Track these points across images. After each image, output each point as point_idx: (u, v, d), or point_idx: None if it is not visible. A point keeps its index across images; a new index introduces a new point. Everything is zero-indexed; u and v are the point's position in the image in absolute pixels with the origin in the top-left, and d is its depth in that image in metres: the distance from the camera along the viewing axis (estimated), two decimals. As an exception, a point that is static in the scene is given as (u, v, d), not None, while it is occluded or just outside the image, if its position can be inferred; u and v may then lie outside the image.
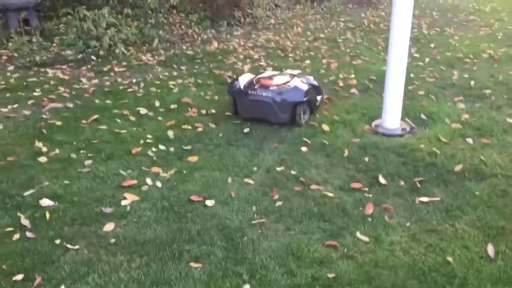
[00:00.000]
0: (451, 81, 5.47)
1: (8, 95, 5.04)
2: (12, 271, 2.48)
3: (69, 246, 2.67)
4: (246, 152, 3.78)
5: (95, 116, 4.43)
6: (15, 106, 4.73)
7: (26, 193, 3.18)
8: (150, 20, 7.88)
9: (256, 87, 4.27)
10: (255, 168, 3.52)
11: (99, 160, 3.65)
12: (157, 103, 4.80)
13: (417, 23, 8.73)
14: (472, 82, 5.37)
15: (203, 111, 4.60)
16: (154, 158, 3.69)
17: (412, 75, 5.57)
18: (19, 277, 2.44)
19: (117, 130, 4.17)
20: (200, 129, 4.20)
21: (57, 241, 2.71)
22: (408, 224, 2.88)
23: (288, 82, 4.32)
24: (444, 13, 10.10)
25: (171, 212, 3.00)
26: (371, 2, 11.27)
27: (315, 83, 4.58)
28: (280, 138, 4.03)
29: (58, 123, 4.33)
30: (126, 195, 3.16)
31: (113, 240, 2.73)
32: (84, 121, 4.35)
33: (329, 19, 9.55)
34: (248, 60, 6.41)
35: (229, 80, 5.46)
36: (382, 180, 3.35)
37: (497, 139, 3.97)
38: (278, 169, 3.51)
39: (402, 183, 3.32)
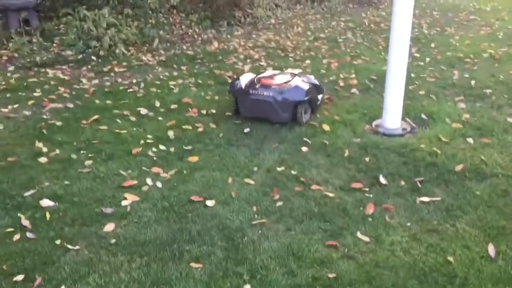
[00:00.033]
0: (452, 80, 5.47)
1: (8, 95, 5.04)
2: (12, 272, 2.48)
3: (69, 246, 2.67)
4: (246, 152, 3.78)
5: (96, 117, 4.43)
6: (15, 106, 4.73)
7: (27, 194, 3.18)
8: (150, 20, 7.88)
9: (257, 86, 4.27)
10: (255, 168, 3.52)
11: (99, 161, 3.65)
12: (157, 103, 4.80)
13: (417, 23, 8.73)
14: (473, 82, 5.37)
15: (204, 111, 4.60)
16: (155, 158, 3.69)
17: (412, 75, 5.57)
18: (20, 277, 2.44)
19: (117, 131, 4.17)
20: (200, 129, 4.20)
21: (58, 242, 2.71)
22: (408, 224, 2.87)
23: (289, 81, 4.32)
24: (444, 12, 10.10)
25: (172, 212, 2.99)
26: (371, 1, 11.27)
27: (316, 82, 4.59)
28: (280, 138, 4.03)
29: (59, 123, 4.33)
30: (126, 195, 3.16)
31: (113, 241, 2.72)
32: (84, 122, 4.35)
33: (329, 19, 9.55)
34: (248, 60, 6.40)
35: (229, 80, 5.46)
36: (382, 180, 3.34)
37: (498, 138, 3.96)
38: (279, 169, 3.51)
39: (402, 183, 3.32)
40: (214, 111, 4.61)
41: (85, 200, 3.13)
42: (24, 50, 6.52)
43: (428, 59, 6.37)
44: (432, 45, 7.20)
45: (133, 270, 2.49)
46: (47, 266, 2.53)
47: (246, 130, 4.17)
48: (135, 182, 3.33)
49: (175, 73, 5.85)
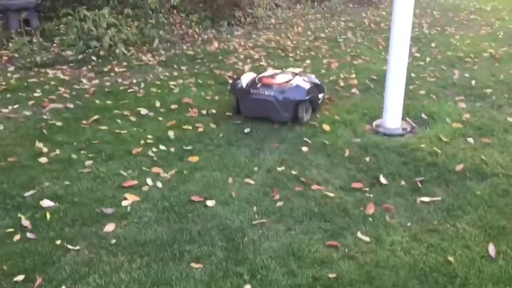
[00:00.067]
0: (452, 80, 5.47)
1: (8, 95, 5.04)
2: (13, 272, 2.48)
3: (69, 246, 2.67)
4: (246, 152, 3.78)
5: (96, 117, 4.43)
6: (15, 106, 4.73)
7: (27, 194, 3.18)
8: (150, 20, 7.88)
9: (258, 86, 4.28)
10: (255, 168, 3.52)
11: (99, 161, 3.65)
12: (157, 104, 4.80)
13: (418, 23, 8.73)
14: (473, 82, 5.36)
15: (204, 111, 4.60)
16: (155, 158, 3.69)
17: (413, 75, 5.57)
18: (20, 277, 2.44)
19: (117, 131, 4.17)
20: (200, 129, 4.20)
21: (58, 242, 2.71)
22: (409, 224, 2.87)
23: (290, 80, 4.33)
24: (445, 12, 10.10)
25: (172, 212, 2.99)
26: (371, 1, 11.27)
27: (317, 81, 4.61)
28: (280, 138, 4.03)
29: (59, 123, 4.33)
30: (126, 195, 3.16)
31: (113, 241, 2.72)
32: (84, 122, 4.35)
33: (329, 18, 9.55)
34: (248, 60, 6.40)
35: (229, 80, 5.46)
36: (383, 180, 3.34)
37: (498, 138, 3.96)
38: (279, 169, 3.51)
39: (403, 183, 3.32)
40: (214, 111, 4.61)
41: (86, 200, 3.13)
42: (24, 50, 6.52)
43: (428, 59, 6.37)
44: (433, 44, 7.20)
45: (133, 270, 2.49)
46: (47, 266, 2.53)
47: (247, 130, 4.17)
48: (135, 182, 3.33)
49: (175, 73, 5.85)
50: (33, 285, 2.40)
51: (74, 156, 3.72)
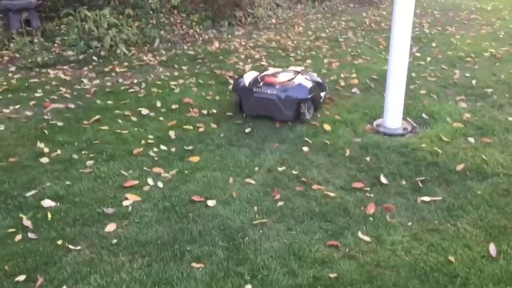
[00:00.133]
0: (453, 80, 5.47)
1: (10, 96, 5.05)
2: (14, 272, 2.49)
3: (71, 246, 2.68)
4: (247, 152, 3.78)
5: (97, 117, 4.44)
6: (17, 107, 4.74)
7: (28, 194, 3.19)
8: (151, 21, 7.89)
9: (260, 84, 4.30)
10: (256, 168, 3.53)
11: (100, 161, 3.65)
12: (158, 104, 4.80)
13: (418, 22, 8.73)
14: (474, 81, 5.36)
15: (205, 111, 4.60)
16: (156, 158, 3.70)
17: (413, 74, 5.57)
18: (21, 278, 2.44)
19: (118, 131, 4.17)
20: (201, 129, 4.21)
21: (59, 242, 2.71)
22: (409, 223, 2.87)
23: (292, 79, 4.35)
24: (445, 12, 10.09)
25: (173, 212, 3.00)
26: (372, 1, 11.26)
27: (319, 80, 4.63)
28: (281, 138, 4.03)
29: (60, 123, 4.34)
30: (127, 195, 3.17)
31: (115, 241, 2.73)
32: (85, 122, 4.36)
33: (330, 18, 9.55)
34: (249, 60, 6.41)
35: (230, 80, 5.47)
36: (383, 179, 3.34)
37: (499, 138, 3.96)
38: (280, 169, 3.51)
39: (403, 182, 3.32)
40: (215, 111, 4.61)
41: (87, 200, 3.14)
42: (25, 51, 6.53)
43: (429, 59, 6.37)
44: (433, 44, 7.20)
45: (134, 270, 2.50)
46: (48, 266, 2.53)
47: (247, 130, 4.17)
48: (136, 182, 3.34)
49: (176, 73, 5.85)
50: (35, 285, 2.40)
51: (75, 156, 3.72)
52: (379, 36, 7.80)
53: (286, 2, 10.20)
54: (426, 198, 3.11)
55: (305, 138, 3.99)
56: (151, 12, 8.07)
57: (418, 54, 6.60)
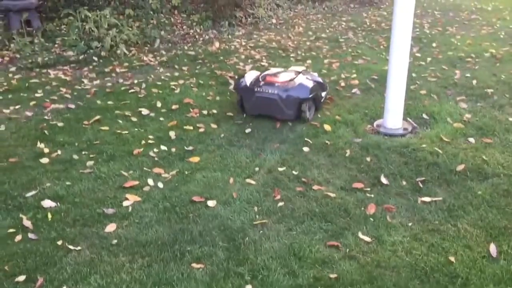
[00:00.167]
0: (453, 80, 5.46)
1: (10, 96, 5.05)
2: (14, 272, 2.49)
3: (71, 247, 2.67)
4: (247, 152, 3.78)
5: (97, 117, 4.44)
6: (17, 107, 4.74)
7: (28, 194, 3.19)
8: (151, 21, 7.89)
9: (262, 84, 4.32)
10: (256, 169, 3.52)
11: (100, 161, 3.65)
12: (158, 104, 4.80)
13: (419, 23, 8.73)
14: (474, 82, 5.36)
15: (205, 112, 4.60)
16: (156, 158, 3.70)
17: (414, 75, 5.56)
18: (21, 278, 2.44)
19: (118, 131, 4.17)
20: (201, 130, 4.21)
21: (59, 242, 2.71)
22: (410, 224, 2.87)
23: (293, 79, 4.36)
24: (446, 12, 10.09)
25: (173, 212, 3.00)
26: (372, 1, 11.26)
27: (320, 79, 4.65)
28: (281, 138, 4.03)
29: (60, 124, 4.34)
30: (127, 196, 3.17)
31: (115, 241, 2.73)
32: (86, 122, 4.36)
33: (330, 18, 9.54)
34: (249, 60, 6.41)
35: (230, 81, 5.47)
36: (384, 180, 3.34)
37: (499, 138, 3.96)
38: (280, 169, 3.51)
39: (404, 183, 3.32)
40: (215, 111, 4.61)
41: (87, 200, 3.13)
42: (25, 51, 6.53)
43: (429, 59, 6.36)
44: (434, 44, 7.20)
45: (134, 271, 2.50)
46: (48, 266, 2.53)
47: (247, 130, 4.17)
48: (136, 182, 3.34)
49: (177, 74, 5.85)
50: (35, 285, 2.40)
51: (75, 156, 3.72)
52: (380, 37, 7.80)
53: (286, 3, 10.20)
54: (427, 199, 3.11)
55: (306, 139, 3.99)
56: (151, 13, 8.08)
57: (418, 55, 6.59)
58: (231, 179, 3.37)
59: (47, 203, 3.08)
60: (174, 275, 2.46)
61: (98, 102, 4.88)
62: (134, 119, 4.45)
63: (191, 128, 4.24)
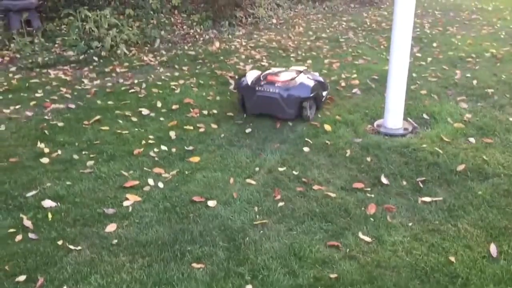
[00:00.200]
0: (454, 80, 5.46)
1: (10, 96, 5.05)
2: (14, 272, 2.49)
3: (71, 247, 2.67)
4: (248, 152, 3.78)
5: (97, 117, 4.44)
6: (17, 107, 4.74)
7: (29, 194, 3.19)
8: (152, 21, 7.89)
9: (263, 83, 4.32)
10: (257, 169, 3.52)
11: (101, 161, 3.65)
12: (159, 104, 4.80)
13: (419, 23, 8.72)
14: (475, 82, 5.36)
15: (205, 112, 4.60)
16: (156, 158, 3.70)
17: (414, 75, 5.56)
18: (22, 278, 2.44)
19: (119, 131, 4.17)
20: (202, 130, 4.21)
21: (60, 242, 2.71)
22: (410, 224, 2.87)
23: (294, 78, 4.37)
24: (446, 12, 10.09)
25: (173, 212, 3.00)
26: (373, 1, 11.26)
27: (321, 79, 4.67)
28: (282, 138, 4.03)
29: (60, 124, 4.34)
30: (128, 196, 3.17)
31: (115, 241, 2.73)
32: (86, 122, 4.36)
33: (331, 18, 9.54)
34: (250, 60, 6.41)
35: (231, 81, 5.47)
36: (384, 180, 3.34)
37: (500, 138, 3.96)
38: (280, 169, 3.51)
39: (404, 183, 3.32)
40: (215, 111, 4.61)
41: (87, 200, 3.14)
42: (26, 51, 6.53)
43: (429, 59, 6.36)
44: (434, 44, 7.19)
45: (135, 271, 2.50)
46: (49, 266, 2.53)
47: (248, 130, 4.17)
48: (136, 182, 3.34)
49: (177, 74, 5.85)
50: (35, 285, 2.40)
51: (75, 156, 3.72)
52: (380, 37, 7.80)
53: (286, 3, 10.20)
54: (427, 199, 3.11)
55: (306, 139, 3.99)
56: (151, 13, 8.08)
57: (419, 55, 6.59)
58: (231, 179, 3.37)
59: (48, 203, 3.08)
60: (174, 275, 2.46)
61: (98, 102, 4.89)
62: (134, 119, 4.46)
63: (191, 128, 4.24)
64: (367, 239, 2.73)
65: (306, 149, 3.83)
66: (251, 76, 4.50)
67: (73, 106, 4.77)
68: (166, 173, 3.46)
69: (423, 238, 2.74)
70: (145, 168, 3.53)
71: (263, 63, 6.24)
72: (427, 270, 2.49)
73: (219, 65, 6.20)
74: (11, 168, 3.56)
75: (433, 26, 8.61)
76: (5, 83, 5.42)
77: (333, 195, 3.16)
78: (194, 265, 2.53)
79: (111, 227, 2.84)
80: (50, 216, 2.95)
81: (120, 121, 4.39)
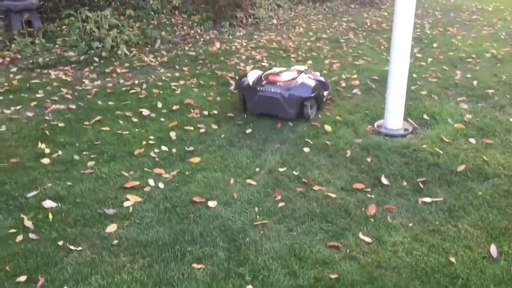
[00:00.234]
0: (454, 81, 5.46)
1: (11, 96, 5.06)
2: (15, 273, 2.49)
3: (72, 247, 2.68)
4: (248, 153, 3.78)
5: (98, 118, 4.44)
6: (18, 107, 4.75)
7: (29, 195, 3.19)
8: (152, 21, 7.90)
9: (264, 83, 4.33)
10: (257, 169, 3.53)
11: (101, 162, 3.65)
12: (159, 104, 4.81)
13: (419, 23, 8.73)
14: (475, 82, 5.36)
15: (206, 112, 4.60)
16: (157, 159, 3.70)
17: (414, 75, 5.56)
18: (22, 278, 2.45)
19: (119, 132, 4.18)
20: (202, 130, 4.21)
21: (60, 243, 2.71)
22: (410, 224, 2.87)
23: (295, 78, 4.38)
24: (446, 12, 10.09)
25: (174, 213, 3.00)
26: (373, 2, 11.26)
27: (322, 79, 4.69)
28: (282, 138, 4.03)
29: (61, 124, 4.35)
30: (128, 196, 3.17)
31: (115, 241, 2.73)
32: (86, 123, 4.36)
33: (331, 19, 9.55)
34: (250, 61, 6.41)
35: (231, 81, 5.47)
36: (384, 180, 3.34)
37: (500, 139, 3.96)
38: (281, 170, 3.51)
39: (404, 183, 3.32)
40: (216, 112, 4.61)
41: (88, 201, 3.14)
42: (26, 52, 6.54)
43: (430, 59, 6.36)
44: (434, 45, 7.20)
45: (135, 271, 2.50)
46: (49, 267, 2.54)
47: (248, 131, 4.17)
48: (137, 183, 3.34)
49: (177, 74, 5.86)
50: (35, 285, 2.41)
51: (76, 157, 3.73)
52: (380, 37, 7.80)
53: (287, 3, 10.21)
54: (427, 199, 3.11)
55: (306, 139, 3.99)
56: (152, 13, 8.09)
57: (419, 55, 6.59)
58: (232, 180, 3.37)
59: (48, 203, 3.09)
60: (174, 275, 2.46)
61: (99, 102, 4.89)
62: (135, 119, 4.46)
63: (192, 128, 4.25)
64: (368, 239, 2.73)
65: (306, 149, 3.83)
66: (252, 76, 4.51)
67: (73, 106, 4.78)
68: (167, 174, 3.47)
69: (423, 238, 2.74)
70: (145, 169, 3.54)
71: (263, 64, 6.24)
72: (427, 271, 2.49)
73: (220, 65, 6.21)
74: (12, 168, 3.56)
75: (434, 26, 8.62)
76: (6, 84, 5.43)
77: (333, 195, 3.17)
78: (195, 265, 2.53)
79: (111, 228, 2.85)
80: (50, 216, 2.95)
81: (121, 122, 4.39)
